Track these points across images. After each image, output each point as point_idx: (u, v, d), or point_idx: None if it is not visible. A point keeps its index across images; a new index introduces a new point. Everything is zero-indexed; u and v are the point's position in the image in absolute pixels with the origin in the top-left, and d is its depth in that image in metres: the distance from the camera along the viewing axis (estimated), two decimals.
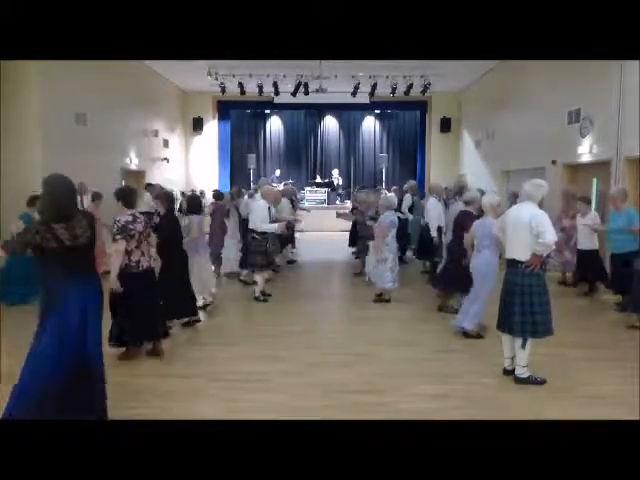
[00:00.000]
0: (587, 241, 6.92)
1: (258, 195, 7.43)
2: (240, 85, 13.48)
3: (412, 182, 10.16)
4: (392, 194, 9.18)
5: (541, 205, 4.17)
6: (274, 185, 14.97)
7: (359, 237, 8.67)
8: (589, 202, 7.05)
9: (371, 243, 7.09)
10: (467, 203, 5.83)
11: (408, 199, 9.49)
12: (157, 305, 4.77)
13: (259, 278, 6.95)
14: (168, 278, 5.26)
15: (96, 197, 8.42)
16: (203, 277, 6.24)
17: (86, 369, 3.17)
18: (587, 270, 7.15)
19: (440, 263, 8.04)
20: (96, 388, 3.27)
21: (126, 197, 4.51)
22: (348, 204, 14.73)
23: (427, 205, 7.96)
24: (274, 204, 7.66)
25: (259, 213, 6.77)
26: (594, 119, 8.45)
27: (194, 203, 6.35)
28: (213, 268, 8.58)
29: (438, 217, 7.73)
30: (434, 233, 7.69)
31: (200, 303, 6.28)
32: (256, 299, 6.90)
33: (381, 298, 6.85)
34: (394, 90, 13.65)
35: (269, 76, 12.98)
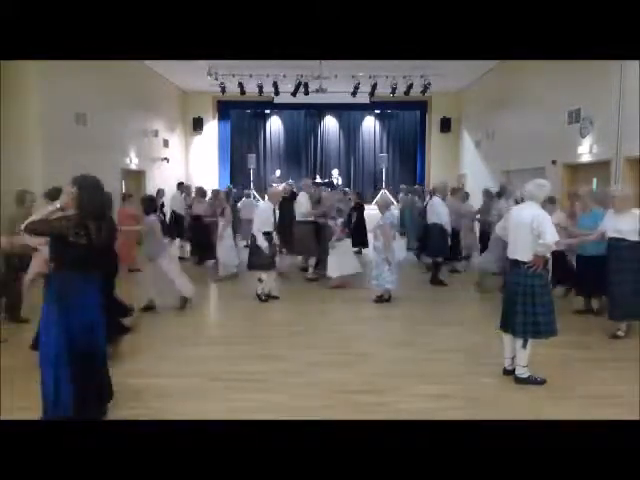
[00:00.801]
0: None
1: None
2: (240, 85, 13.49)
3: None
4: (386, 193, 9.09)
5: (544, 205, 4.16)
6: (274, 185, 15.03)
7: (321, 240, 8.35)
8: (554, 202, 6.57)
9: (373, 244, 7.07)
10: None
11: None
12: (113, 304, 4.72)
13: (265, 277, 6.87)
14: None
15: (127, 197, 8.59)
16: (165, 280, 6.16)
17: (95, 366, 3.20)
18: (555, 272, 6.86)
19: (442, 263, 8.07)
20: (104, 386, 3.30)
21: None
22: None
23: (434, 205, 7.95)
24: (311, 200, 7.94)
25: (262, 215, 6.71)
26: (594, 119, 8.46)
27: (149, 204, 6.21)
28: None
29: (447, 216, 7.79)
30: (449, 231, 7.82)
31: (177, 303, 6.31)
32: (258, 297, 6.84)
33: (381, 298, 6.85)
34: (394, 90, 13.66)
35: (269, 76, 12.99)
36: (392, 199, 12.40)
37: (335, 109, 18.30)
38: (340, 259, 7.49)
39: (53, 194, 4.42)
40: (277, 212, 7.26)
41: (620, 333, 5.27)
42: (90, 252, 3.15)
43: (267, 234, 6.72)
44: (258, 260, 6.77)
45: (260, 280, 6.93)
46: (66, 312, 3.07)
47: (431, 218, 7.95)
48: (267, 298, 6.90)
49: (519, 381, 4.08)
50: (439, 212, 7.80)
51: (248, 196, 12.49)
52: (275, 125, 19.23)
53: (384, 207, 6.83)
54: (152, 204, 6.30)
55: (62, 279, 3.12)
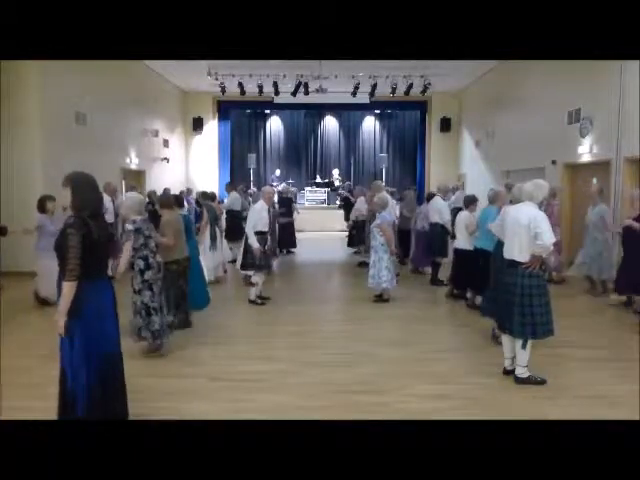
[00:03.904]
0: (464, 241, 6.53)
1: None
2: (240, 85, 13.48)
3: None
4: (385, 194, 9.02)
5: (541, 206, 4.16)
6: (274, 185, 15.02)
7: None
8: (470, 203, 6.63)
9: (372, 243, 7.06)
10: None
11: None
12: None
13: (258, 279, 6.73)
14: None
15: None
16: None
17: (113, 368, 3.16)
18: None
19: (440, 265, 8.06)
20: (119, 388, 3.26)
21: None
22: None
23: (437, 205, 7.92)
24: None
25: (254, 215, 6.55)
26: (594, 119, 8.46)
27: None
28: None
29: (449, 215, 7.77)
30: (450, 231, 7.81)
31: None
32: (252, 302, 6.70)
33: (380, 298, 6.85)
34: (394, 90, 13.65)
35: (269, 76, 12.98)
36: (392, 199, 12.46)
37: (335, 109, 18.28)
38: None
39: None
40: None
41: None
42: (91, 253, 2.99)
43: (261, 234, 6.60)
44: (252, 261, 6.59)
45: (253, 284, 6.74)
46: (82, 315, 2.99)
47: (432, 218, 7.95)
48: (263, 301, 6.81)
49: (519, 381, 4.08)
50: (440, 212, 7.79)
51: (250, 195, 12.47)
52: (275, 125, 19.22)
53: (380, 207, 6.84)
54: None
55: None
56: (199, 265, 6.42)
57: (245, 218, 10.26)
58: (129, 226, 4.60)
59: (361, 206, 9.68)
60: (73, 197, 3.02)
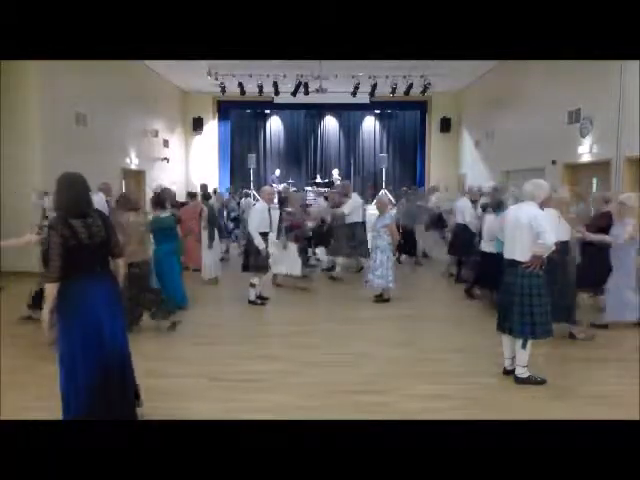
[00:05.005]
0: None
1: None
2: (240, 85, 13.49)
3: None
4: (386, 194, 8.92)
5: (541, 205, 4.16)
6: (274, 185, 15.03)
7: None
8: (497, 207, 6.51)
9: (374, 243, 7.03)
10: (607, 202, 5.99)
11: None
12: None
13: (256, 280, 6.70)
14: None
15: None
16: None
17: (112, 367, 3.13)
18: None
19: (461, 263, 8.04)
20: (123, 387, 3.23)
21: None
22: None
23: (462, 207, 7.87)
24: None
25: (256, 216, 6.49)
26: (594, 119, 8.46)
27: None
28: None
29: (471, 217, 7.75)
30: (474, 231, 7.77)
31: None
32: (252, 303, 6.69)
33: (381, 298, 6.85)
34: (394, 90, 13.66)
35: (269, 76, 12.99)
36: (392, 199, 12.49)
37: (335, 109, 18.29)
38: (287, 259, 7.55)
39: None
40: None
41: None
42: (83, 253, 2.99)
43: (263, 235, 6.53)
44: (254, 261, 6.53)
45: (252, 285, 6.70)
46: (72, 315, 3.00)
47: (457, 218, 7.95)
48: (263, 302, 6.80)
49: (519, 381, 4.09)
50: (464, 213, 7.74)
51: (247, 196, 12.48)
52: (275, 125, 19.23)
53: (385, 207, 6.85)
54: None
55: (64, 285, 3.00)
56: (179, 266, 6.54)
57: (233, 219, 10.37)
58: (47, 222, 4.54)
59: (320, 203, 9.46)
60: (54, 197, 3.05)
